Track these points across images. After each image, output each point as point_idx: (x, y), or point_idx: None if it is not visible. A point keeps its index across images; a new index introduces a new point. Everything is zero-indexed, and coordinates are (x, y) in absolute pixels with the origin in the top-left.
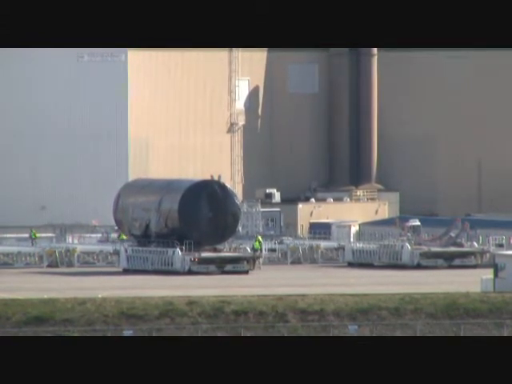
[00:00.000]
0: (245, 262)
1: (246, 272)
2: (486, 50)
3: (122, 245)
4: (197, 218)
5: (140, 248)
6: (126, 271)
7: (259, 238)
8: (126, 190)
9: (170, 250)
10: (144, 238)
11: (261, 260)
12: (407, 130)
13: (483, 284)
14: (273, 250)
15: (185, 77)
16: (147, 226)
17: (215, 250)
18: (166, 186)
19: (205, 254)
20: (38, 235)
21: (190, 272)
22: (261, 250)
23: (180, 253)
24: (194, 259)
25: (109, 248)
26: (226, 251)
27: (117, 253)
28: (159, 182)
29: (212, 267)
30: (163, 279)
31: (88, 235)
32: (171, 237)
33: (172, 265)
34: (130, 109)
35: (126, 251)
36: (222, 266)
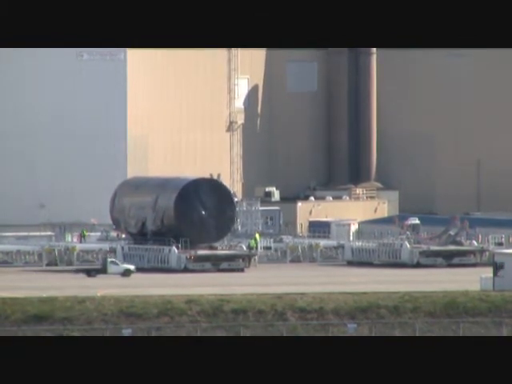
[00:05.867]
0: (240, 260)
1: (242, 270)
2: (486, 49)
3: (118, 243)
4: (193, 216)
5: (136, 246)
6: None
7: (257, 235)
8: (123, 188)
9: (166, 248)
10: (140, 235)
11: (256, 258)
12: (406, 128)
13: (482, 282)
14: (268, 248)
15: (184, 75)
16: (143, 224)
17: (211, 248)
18: (163, 185)
19: (200, 252)
20: (86, 233)
21: (185, 270)
22: (257, 248)
23: (176, 251)
24: (190, 257)
25: (107, 246)
26: (221, 249)
27: (113, 251)
28: (155, 180)
29: (208, 265)
30: (161, 277)
31: (87, 233)
32: (167, 235)
33: (168, 263)
34: (129, 107)
35: (123, 249)
36: (218, 264)
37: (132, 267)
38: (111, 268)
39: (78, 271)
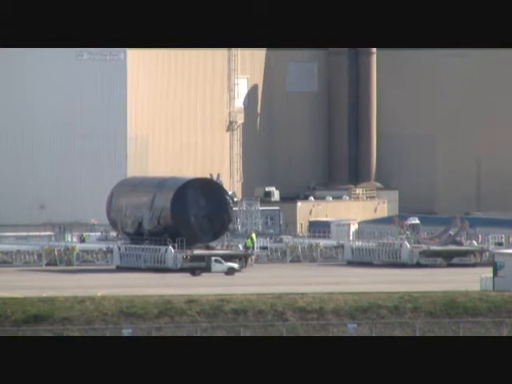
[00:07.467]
0: (237, 260)
1: (211, 270)
2: (486, 49)
3: (115, 243)
4: (189, 216)
5: (133, 246)
6: (120, 269)
7: (253, 235)
8: (120, 188)
9: (163, 248)
10: (137, 235)
11: (253, 258)
12: (406, 128)
13: (482, 283)
14: (265, 248)
15: (184, 75)
16: (140, 224)
17: (207, 248)
18: (159, 184)
19: (197, 252)
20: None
21: (182, 269)
22: (253, 247)
23: (172, 250)
24: (186, 257)
25: (108, 246)
26: (218, 249)
27: (110, 251)
28: (152, 180)
29: (204, 264)
30: (160, 277)
31: (87, 233)
32: (164, 234)
33: (164, 262)
34: (129, 107)
35: (120, 249)
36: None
37: (236, 266)
38: (215, 266)
39: (182, 270)
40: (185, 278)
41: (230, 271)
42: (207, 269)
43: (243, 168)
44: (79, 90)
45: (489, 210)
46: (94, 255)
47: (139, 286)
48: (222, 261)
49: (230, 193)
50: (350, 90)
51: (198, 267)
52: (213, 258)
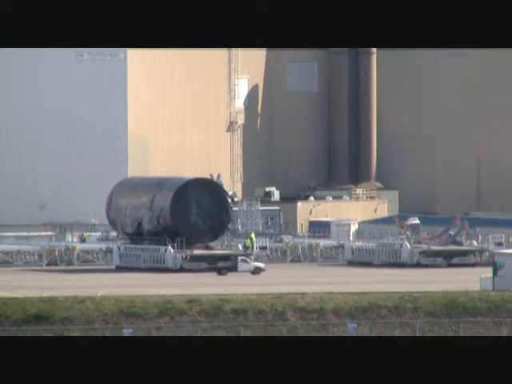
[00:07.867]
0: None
1: (237, 269)
2: (486, 49)
3: (115, 243)
4: (189, 215)
5: (132, 246)
6: (119, 268)
7: (252, 235)
8: (119, 188)
9: (162, 248)
10: (136, 235)
11: (252, 257)
12: (406, 128)
13: (482, 282)
14: (264, 248)
15: (184, 75)
16: (139, 224)
17: (207, 248)
18: (159, 184)
19: (196, 252)
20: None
21: (181, 269)
22: (252, 247)
23: (172, 250)
24: (186, 257)
25: (107, 246)
26: (217, 249)
27: (110, 250)
28: (152, 180)
29: (203, 264)
30: (160, 277)
31: (87, 233)
32: (163, 235)
33: (164, 262)
34: (130, 107)
35: (119, 249)
36: (214, 264)
37: (262, 265)
38: (241, 266)
39: (208, 269)
40: (190, 277)
41: (257, 271)
42: (234, 268)
43: (243, 168)
44: (79, 90)
45: (489, 210)
46: (95, 255)
47: (139, 286)
48: (249, 260)
49: (230, 193)
50: (349, 90)
51: (225, 267)
52: (239, 258)
